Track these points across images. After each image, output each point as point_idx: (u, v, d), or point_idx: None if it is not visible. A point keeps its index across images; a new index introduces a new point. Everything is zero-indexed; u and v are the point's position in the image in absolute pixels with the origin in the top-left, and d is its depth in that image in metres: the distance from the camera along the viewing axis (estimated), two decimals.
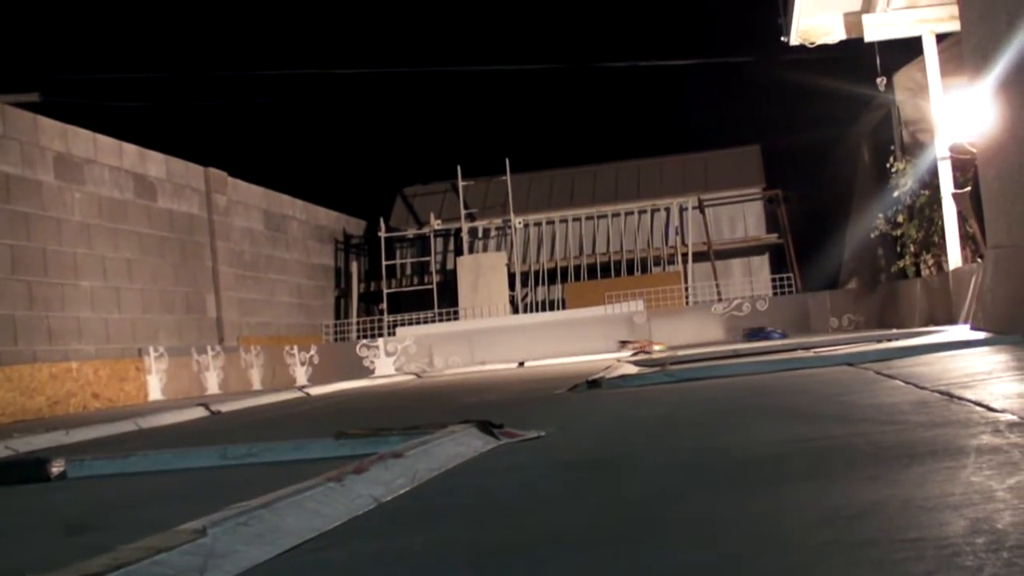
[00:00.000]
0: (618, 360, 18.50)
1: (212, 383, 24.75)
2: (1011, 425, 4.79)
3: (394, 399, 15.32)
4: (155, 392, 22.50)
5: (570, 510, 4.03)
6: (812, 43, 22.68)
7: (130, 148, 23.66)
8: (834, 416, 6.22)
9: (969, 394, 6.31)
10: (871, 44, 22.48)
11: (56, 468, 7.03)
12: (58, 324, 20.46)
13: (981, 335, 13.77)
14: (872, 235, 26.37)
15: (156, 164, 24.69)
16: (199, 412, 14.29)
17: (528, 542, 3.47)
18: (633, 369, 14.46)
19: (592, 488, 4.56)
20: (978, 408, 5.64)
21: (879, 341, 15.96)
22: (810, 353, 14.34)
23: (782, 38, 22.99)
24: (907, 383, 7.78)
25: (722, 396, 9.00)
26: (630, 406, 9.14)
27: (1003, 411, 5.35)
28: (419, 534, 3.77)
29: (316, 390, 19.17)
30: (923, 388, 7.20)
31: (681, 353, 19.85)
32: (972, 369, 8.57)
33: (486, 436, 6.39)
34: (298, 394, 18.36)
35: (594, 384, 11.85)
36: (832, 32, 22.44)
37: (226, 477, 6.38)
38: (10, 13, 35.58)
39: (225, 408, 14.90)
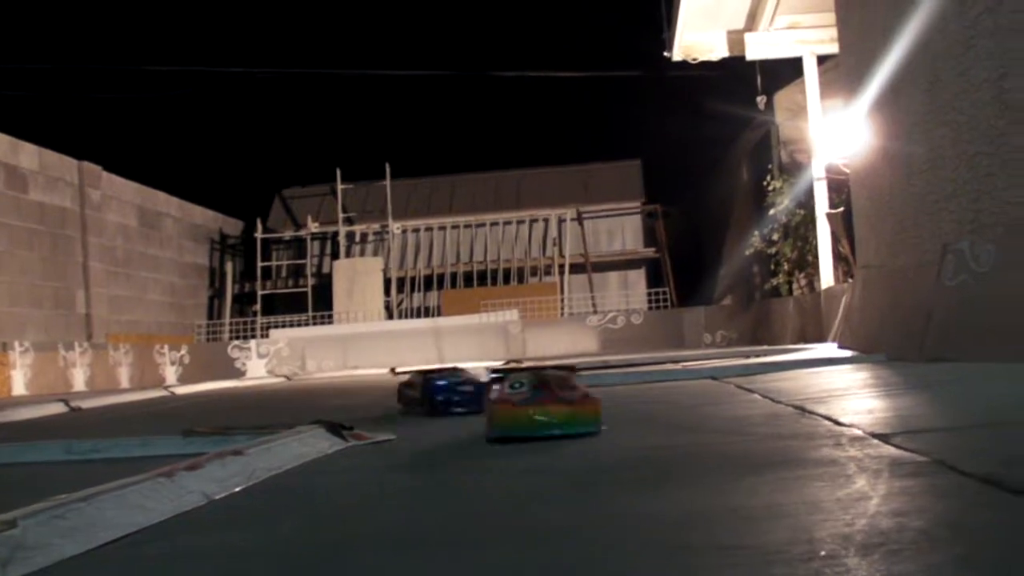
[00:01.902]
0: (486, 368, 18.40)
1: (79, 380, 24.40)
2: (853, 439, 4.80)
3: (260, 400, 15.17)
4: (19, 387, 22.14)
5: (404, 512, 3.97)
6: (695, 59, 22.84)
7: (2, 138, 23.28)
8: (688, 427, 6.23)
9: (821, 409, 6.35)
10: (755, 64, 22.67)
11: None
12: None
13: (846, 353, 13.91)
14: (747, 253, 26.61)
15: (28, 155, 24.31)
16: (58, 408, 14.04)
17: (352, 540, 3.40)
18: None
19: (428, 492, 4.50)
20: (826, 422, 5.67)
21: (747, 356, 16.06)
22: (678, 367, 14.38)
23: (665, 53, 23.12)
24: (764, 397, 7.83)
25: None
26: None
27: (849, 425, 5.36)
28: (244, 530, 3.69)
29: (182, 390, 18.93)
30: (779, 402, 7.24)
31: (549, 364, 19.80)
32: (830, 385, 8.62)
33: (334, 438, 6.31)
34: (163, 393, 18.13)
35: None
36: (715, 49, 22.60)
37: (66, 472, 6.23)
38: None
39: (86, 405, 14.66)
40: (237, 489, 4.57)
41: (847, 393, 7.78)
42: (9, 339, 22.50)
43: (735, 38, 22.21)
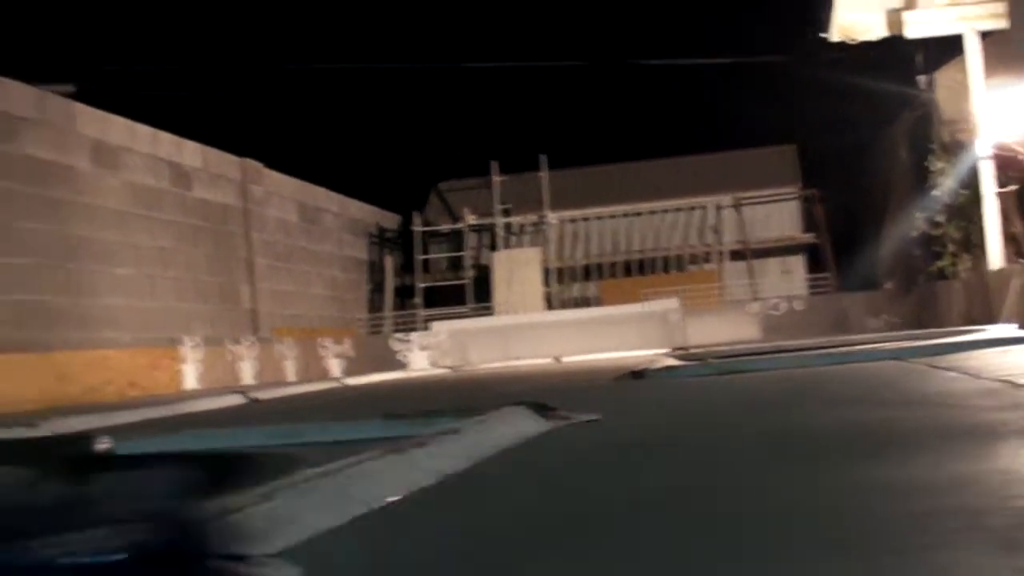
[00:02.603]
0: (657, 355, 18.34)
1: (246, 373, 24.71)
2: None
3: (435, 389, 15.23)
4: (190, 381, 22.47)
5: (634, 484, 3.93)
6: (853, 40, 22.50)
7: (166, 137, 23.63)
8: (898, 402, 6.10)
9: None
10: (912, 42, 22.31)
11: (102, 446, 6.95)
12: (92, 311, 20.41)
13: None
14: (911, 235, 26.20)
15: (192, 153, 24.66)
16: (237, 399, 14.24)
17: (595, 512, 3.37)
18: (675, 362, 14.31)
19: (655, 465, 4.45)
20: None
21: (921, 339, 15.79)
22: (855, 349, 14.18)
23: (822, 34, 22.82)
24: (964, 374, 7.65)
25: (773, 386, 8.87)
26: (680, 394, 9.03)
27: None
28: (483, 503, 3.68)
29: (354, 381, 19.09)
30: (982, 378, 7.07)
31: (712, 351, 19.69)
32: None
33: (539, 418, 6.28)
34: (335, 384, 18.31)
35: (638, 375, 11.75)
36: (873, 29, 22.24)
37: (277, 456, 6.27)
38: (47, 3, 35.67)
39: (263, 396, 14.84)
40: (465, 465, 4.56)
41: None
42: (178, 334, 22.83)
43: (893, 17, 21.85)
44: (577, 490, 3.92)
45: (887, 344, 14.60)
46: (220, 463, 5.28)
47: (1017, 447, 3.74)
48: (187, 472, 5.65)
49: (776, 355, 14.02)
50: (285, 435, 6.87)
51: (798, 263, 34.58)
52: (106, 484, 5.39)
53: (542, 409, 6.46)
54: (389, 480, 3.95)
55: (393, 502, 3.73)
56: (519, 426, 5.87)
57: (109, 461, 6.82)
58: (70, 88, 22.99)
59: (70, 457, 6.90)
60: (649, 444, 5.27)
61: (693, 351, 20.11)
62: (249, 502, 3.22)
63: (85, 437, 7.43)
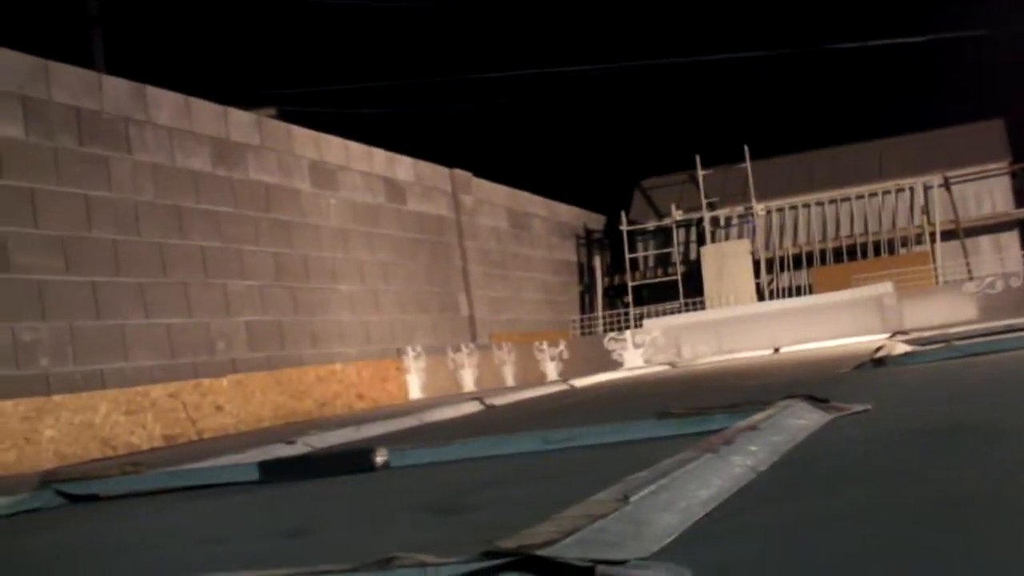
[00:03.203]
0: (887, 340, 18.16)
1: (468, 380, 25.00)
2: None
3: (664, 386, 15.27)
4: (415, 391, 22.82)
5: (946, 473, 3.96)
6: None
7: (379, 153, 24.04)
8: None
9: None
10: None
11: (380, 458, 7.16)
12: (321, 328, 20.86)
13: None
14: None
15: (404, 168, 25.05)
16: (474, 406, 14.42)
17: (946, 496, 3.42)
18: (913, 347, 14.17)
19: (969, 450, 4.47)
20: None
21: None
22: None
23: None
24: None
25: None
26: (935, 379, 8.96)
27: None
28: (824, 498, 3.74)
29: (579, 382, 19.21)
30: None
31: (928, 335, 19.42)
32: None
33: (817, 410, 6.33)
34: (563, 387, 18.45)
35: (879, 362, 11.70)
36: None
37: (557, 461, 6.38)
38: (245, 25, 36.48)
39: (497, 402, 15.02)
40: (771, 461, 4.63)
41: None
42: (402, 345, 23.20)
43: None
44: (895, 482, 3.96)
45: None
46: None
47: None
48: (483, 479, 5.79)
49: (1015, 335, 13.80)
50: (560, 439, 6.98)
51: (1012, 239, 33.92)
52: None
53: (816, 401, 6.51)
54: (713, 480, 4.05)
55: (725, 502, 3.82)
56: (804, 419, 5.93)
57: (390, 471, 7.03)
58: (273, 111, 23.54)
59: (350, 470, 7.13)
60: (944, 430, 5.28)
61: (920, 335, 19.86)
62: (610, 507, 3.34)
63: (360, 451, 7.64)
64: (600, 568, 2.65)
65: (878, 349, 14.02)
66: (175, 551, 4.58)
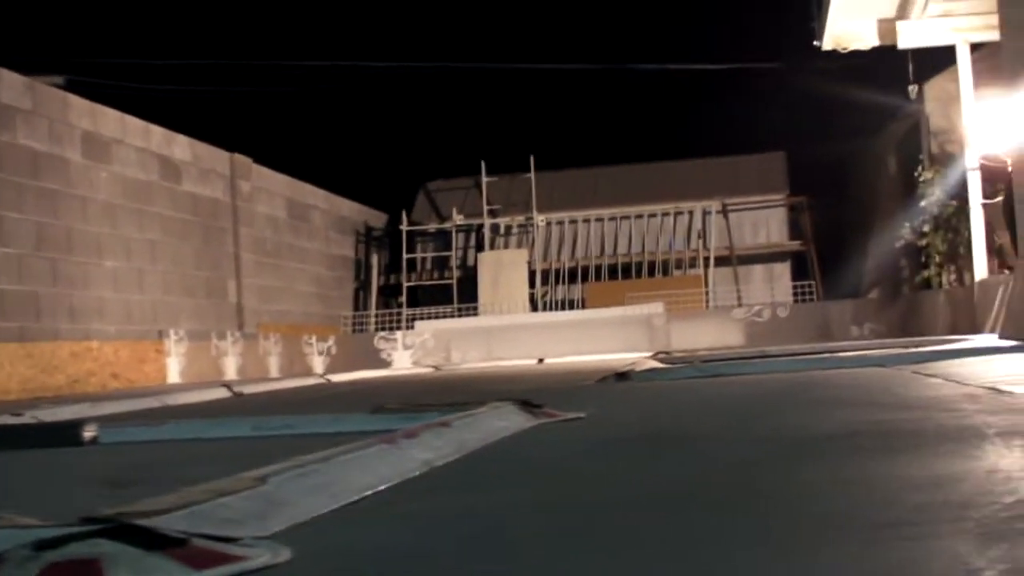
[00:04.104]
0: (642, 358, 18.40)
1: (230, 368, 24.72)
2: None
3: (419, 386, 15.27)
4: (174, 375, 22.48)
5: (618, 477, 3.98)
6: (844, 48, 22.58)
7: (157, 130, 23.63)
8: (889, 405, 6.16)
9: (1018, 390, 6.25)
10: (901, 53, 22.39)
11: (89, 433, 6.99)
12: (81, 303, 20.42)
13: (1011, 343, 13.70)
14: (897, 245, 26.32)
15: (182, 147, 24.66)
16: (221, 393, 14.27)
17: (587, 504, 3.42)
18: (659, 364, 14.37)
19: (652, 459, 4.50)
20: None
21: (905, 347, 15.86)
22: (839, 355, 14.25)
23: (814, 42, 22.91)
24: (949, 380, 7.71)
25: (762, 389, 8.93)
26: (666, 395, 9.08)
27: None
28: (476, 494, 3.72)
29: (337, 377, 19.13)
30: (967, 384, 7.14)
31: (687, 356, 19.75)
32: (1012, 371, 8.51)
33: (526, 414, 6.33)
34: (320, 380, 18.35)
35: (623, 376, 11.79)
36: (865, 38, 22.33)
37: (262, 446, 6.30)
38: None
39: (247, 390, 14.87)
40: (453, 457, 4.60)
41: None
42: (164, 327, 22.83)
43: (886, 26, 21.93)
44: (566, 481, 3.97)
45: (872, 351, 14.68)
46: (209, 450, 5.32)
47: (1001, 447, 3.80)
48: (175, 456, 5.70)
49: (762, 359, 14.08)
50: (273, 427, 6.90)
51: (784, 270, 34.59)
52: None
53: (528, 406, 6.51)
54: (380, 469, 4.00)
55: (383, 490, 3.77)
56: (507, 421, 5.92)
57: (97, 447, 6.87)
58: (59, 80, 23.00)
59: (57, 443, 6.96)
60: (641, 438, 5.32)
61: (677, 355, 20.17)
62: (243, 485, 3.26)
63: (68, 425, 7.47)
64: (196, 540, 2.57)
65: (631, 365, 14.17)
66: None
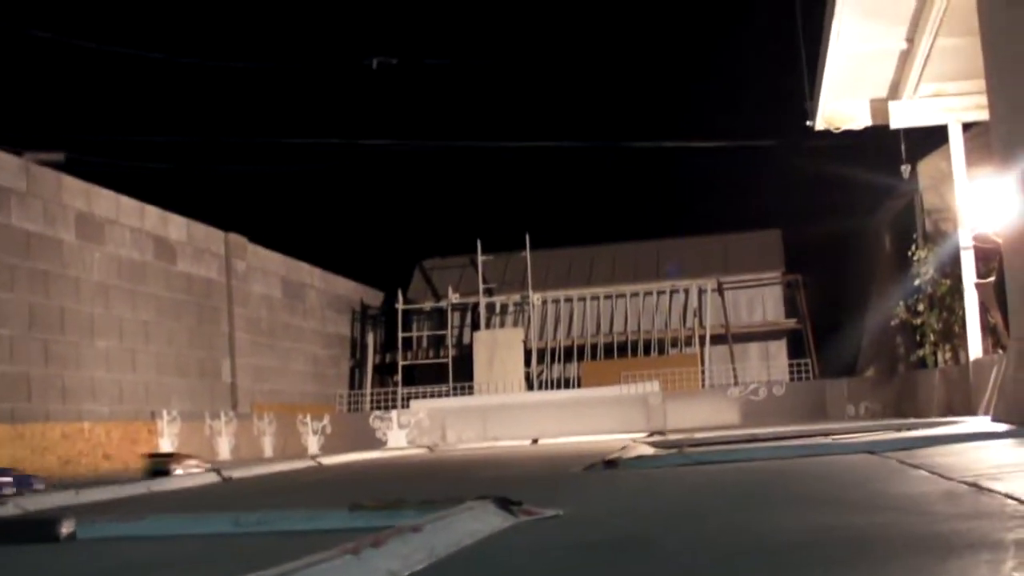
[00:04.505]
0: (634, 440, 18.34)
1: (224, 449, 24.64)
2: None
3: (408, 472, 15.21)
4: None
5: None
6: (837, 128, 22.61)
7: (152, 210, 23.70)
8: (863, 505, 6.11)
9: (999, 486, 6.18)
10: (895, 132, 22.44)
11: (66, 529, 6.93)
12: (73, 383, 20.41)
13: (1003, 427, 13.63)
14: (892, 323, 26.27)
15: (177, 227, 24.72)
16: (211, 478, 14.20)
17: None
18: (650, 450, 14.31)
19: (614, 570, 4.46)
20: (1010, 501, 5.52)
21: (898, 430, 15.79)
22: (829, 440, 14.18)
23: (807, 122, 22.95)
24: (932, 473, 7.65)
25: (743, 480, 8.88)
26: (649, 487, 9.03)
27: None
28: None
29: (329, 460, 19.03)
30: (950, 479, 7.07)
31: (675, 437, 19.67)
32: (998, 461, 8.47)
33: (504, 513, 6.27)
34: (311, 463, 18.25)
35: (611, 464, 11.72)
36: (857, 118, 22.37)
37: (238, 545, 6.26)
38: (39, 73, 35.81)
39: (237, 474, 14.79)
40: (420, 567, 4.54)
41: (1019, 469, 7.62)
42: (157, 407, 22.79)
43: (878, 106, 21.97)
44: None
45: (862, 435, 14.61)
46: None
47: (968, 561, 3.76)
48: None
49: (750, 445, 14.02)
50: (251, 523, 6.84)
51: (780, 348, 34.59)
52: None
53: (506, 503, 6.45)
54: None
55: None
56: (481, 523, 5.86)
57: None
58: (59, 156, 23.05)
59: (32, 539, 6.90)
60: (610, 542, 5.27)
61: (670, 437, 20.10)
62: None
63: (44, 521, 7.41)
64: None
65: (621, 450, 14.11)
66: None
